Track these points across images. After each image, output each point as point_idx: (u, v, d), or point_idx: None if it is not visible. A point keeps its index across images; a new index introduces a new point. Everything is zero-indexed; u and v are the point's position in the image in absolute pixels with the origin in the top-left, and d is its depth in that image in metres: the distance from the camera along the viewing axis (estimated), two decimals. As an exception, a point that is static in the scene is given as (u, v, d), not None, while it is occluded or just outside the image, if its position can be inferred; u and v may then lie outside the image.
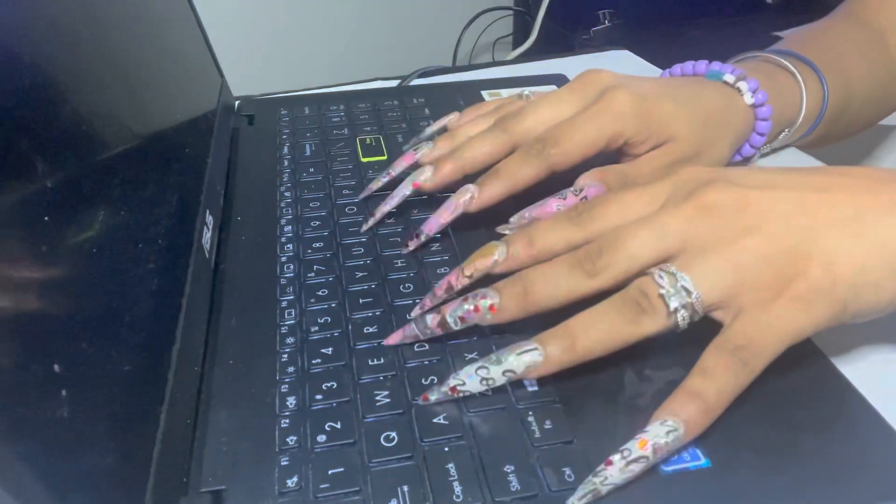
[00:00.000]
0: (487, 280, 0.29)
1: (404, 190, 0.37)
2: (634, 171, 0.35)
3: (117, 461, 0.21)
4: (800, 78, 0.41)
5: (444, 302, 0.29)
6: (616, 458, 0.23)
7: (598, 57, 0.62)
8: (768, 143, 0.43)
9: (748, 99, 0.38)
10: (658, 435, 0.24)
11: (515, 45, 1.23)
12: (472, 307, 0.28)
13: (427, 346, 0.30)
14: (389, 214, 0.38)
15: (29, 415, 0.18)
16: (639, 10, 1.02)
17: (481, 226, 0.38)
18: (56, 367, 0.19)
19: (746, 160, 0.42)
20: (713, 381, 0.24)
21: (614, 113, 0.35)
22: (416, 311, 0.31)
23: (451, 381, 0.27)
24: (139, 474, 0.22)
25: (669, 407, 0.24)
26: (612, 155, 0.37)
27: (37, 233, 0.21)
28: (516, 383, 0.28)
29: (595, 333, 0.26)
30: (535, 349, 0.26)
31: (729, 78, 0.39)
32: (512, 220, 0.35)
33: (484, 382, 0.26)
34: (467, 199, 0.34)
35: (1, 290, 0.19)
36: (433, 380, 0.28)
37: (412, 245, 0.36)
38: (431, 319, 0.29)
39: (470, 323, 0.28)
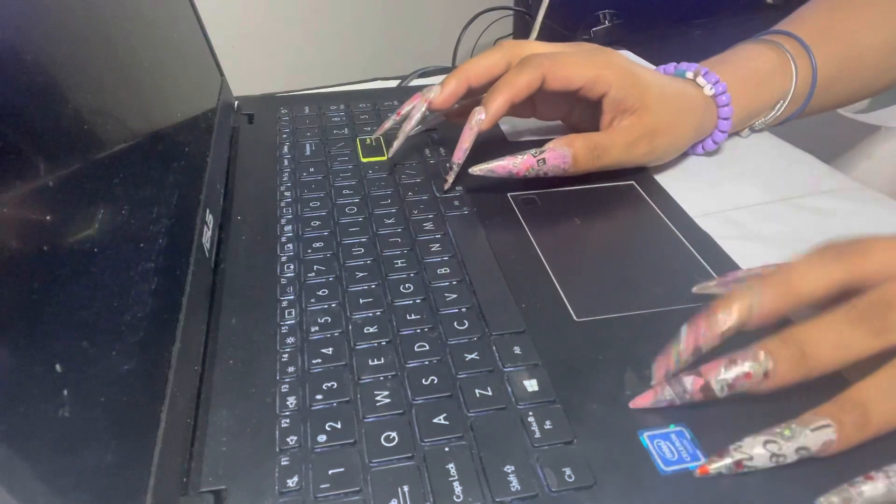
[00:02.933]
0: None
1: (420, 108, 0.40)
2: (606, 140, 0.39)
3: (117, 461, 0.21)
4: (789, 54, 0.44)
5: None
6: (878, 474, 0.23)
7: (599, 57, 0.62)
8: (761, 118, 0.46)
9: (707, 90, 0.42)
10: None
11: (515, 45, 1.23)
12: (743, 373, 0.24)
13: (427, 347, 0.30)
14: (385, 208, 0.39)
15: (30, 414, 0.18)
16: (639, 10, 1.02)
17: (480, 226, 0.38)
18: (57, 367, 0.19)
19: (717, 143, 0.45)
20: None
21: (607, 61, 0.39)
22: (658, 370, 0.27)
23: (736, 455, 0.24)
24: (139, 474, 0.22)
25: None
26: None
27: (38, 232, 0.21)
28: (515, 383, 0.28)
29: (889, 408, 0.24)
30: (829, 426, 0.24)
31: (689, 74, 0.43)
32: (476, 170, 0.38)
33: (774, 459, 0.24)
34: (479, 118, 0.37)
35: (2, 290, 0.19)
36: (434, 380, 0.28)
37: (450, 178, 0.40)
38: (692, 384, 0.25)
39: (739, 391, 0.25)
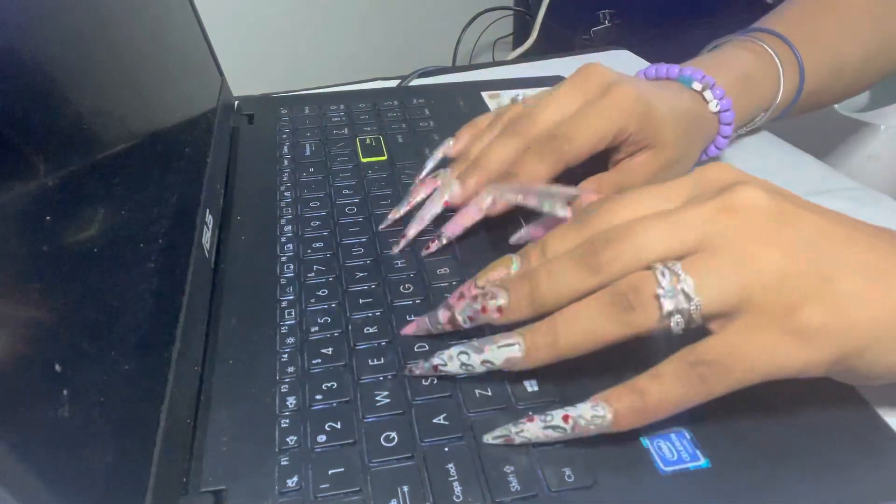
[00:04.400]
0: None
1: (435, 208, 0.37)
2: (625, 181, 0.37)
3: (117, 461, 0.21)
4: (779, 64, 0.42)
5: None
6: (538, 417, 0.25)
7: (598, 57, 0.63)
8: (745, 126, 0.44)
9: (713, 107, 0.40)
10: (583, 415, 0.24)
11: (515, 45, 1.23)
12: (480, 307, 0.27)
13: (427, 347, 0.30)
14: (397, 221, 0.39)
15: (29, 414, 0.18)
16: (639, 10, 1.02)
17: (480, 226, 0.38)
18: (57, 367, 0.19)
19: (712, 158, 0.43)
20: (660, 386, 0.24)
21: (621, 108, 0.35)
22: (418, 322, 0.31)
23: (436, 360, 0.28)
24: (139, 474, 0.22)
25: (607, 394, 0.25)
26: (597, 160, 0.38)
27: (37, 232, 0.21)
28: (516, 383, 0.28)
29: (578, 330, 0.25)
30: (516, 344, 0.26)
31: (697, 86, 0.40)
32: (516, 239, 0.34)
33: (464, 367, 0.27)
34: (489, 203, 0.35)
35: (1, 290, 0.19)
36: (433, 380, 0.28)
37: (433, 247, 0.36)
38: (443, 315, 0.29)
39: (480, 322, 0.28)
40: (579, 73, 0.37)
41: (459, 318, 0.28)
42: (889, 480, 0.24)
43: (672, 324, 0.24)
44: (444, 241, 0.36)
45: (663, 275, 0.24)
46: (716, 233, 0.24)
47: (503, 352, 0.26)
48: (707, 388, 0.23)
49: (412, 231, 0.37)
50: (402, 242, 0.37)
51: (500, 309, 0.27)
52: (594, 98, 0.35)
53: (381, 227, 0.38)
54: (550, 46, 1.05)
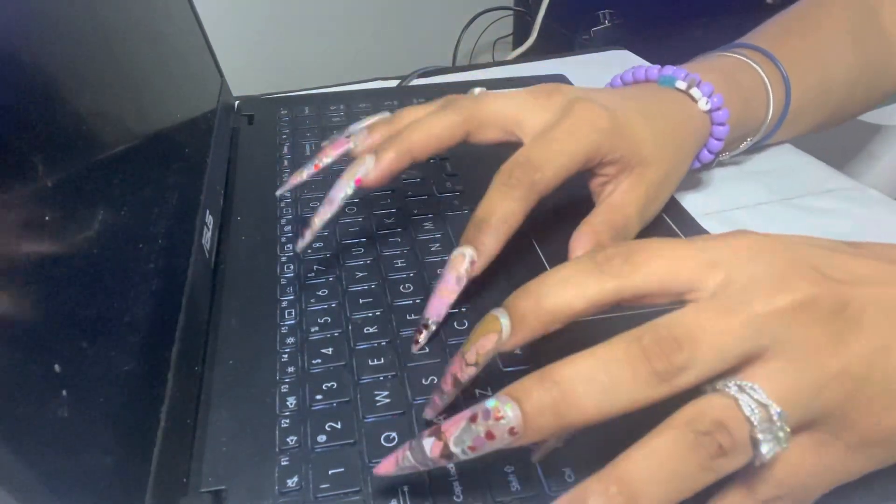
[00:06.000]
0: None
1: (344, 190, 0.31)
2: (621, 218, 0.32)
3: (117, 461, 0.21)
4: (766, 79, 0.39)
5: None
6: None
7: (598, 57, 0.63)
8: (727, 152, 0.41)
9: (703, 105, 0.35)
10: None
11: (515, 45, 1.23)
12: (484, 432, 0.19)
13: (427, 349, 0.30)
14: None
15: (29, 415, 0.18)
16: (639, 10, 1.02)
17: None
18: (56, 367, 0.19)
19: (707, 165, 0.40)
20: None
21: (590, 127, 0.31)
22: (427, 412, 0.26)
23: None
24: (139, 474, 0.22)
25: None
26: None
27: (37, 233, 0.21)
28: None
29: (664, 487, 0.18)
30: None
31: (681, 84, 0.35)
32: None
33: None
34: (467, 265, 0.29)
35: (2, 291, 0.19)
36: (433, 380, 0.28)
37: (422, 338, 0.30)
38: (432, 448, 0.20)
39: (485, 451, 0.20)
40: (539, 87, 0.33)
41: (457, 451, 0.20)
42: (889, 480, 0.24)
43: (757, 463, 0.19)
44: (433, 327, 0.30)
45: (751, 408, 0.19)
46: (790, 339, 0.19)
47: None
48: None
49: (318, 219, 0.31)
50: (307, 235, 0.31)
51: (513, 431, 0.19)
52: (557, 118, 0.31)
53: (279, 191, 0.34)
54: (550, 46, 1.05)
